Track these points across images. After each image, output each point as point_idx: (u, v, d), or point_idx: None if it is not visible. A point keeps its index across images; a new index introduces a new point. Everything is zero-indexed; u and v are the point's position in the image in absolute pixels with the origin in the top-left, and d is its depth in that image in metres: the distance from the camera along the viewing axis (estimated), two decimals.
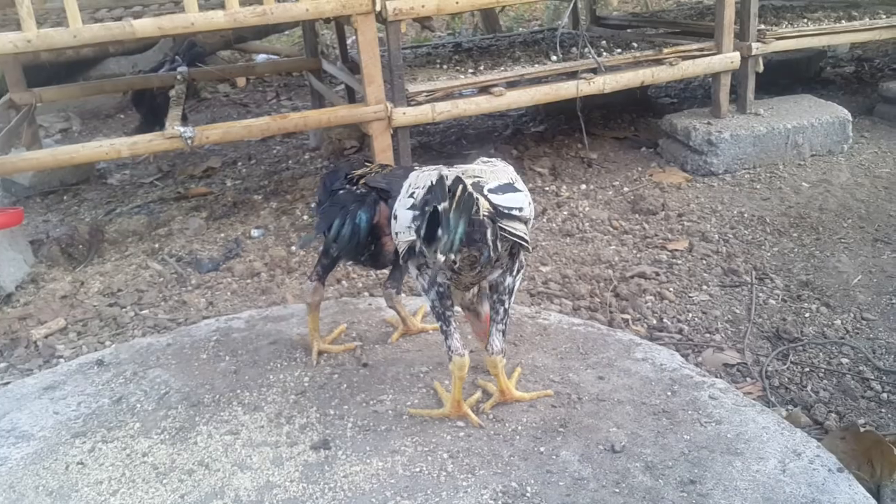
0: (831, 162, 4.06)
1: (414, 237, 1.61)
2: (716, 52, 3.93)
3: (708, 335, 2.62)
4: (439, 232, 1.47)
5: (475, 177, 1.66)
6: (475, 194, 1.53)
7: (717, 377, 2.31)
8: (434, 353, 2.21)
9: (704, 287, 2.92)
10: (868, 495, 1.60)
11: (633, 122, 4.95)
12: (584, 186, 3.98)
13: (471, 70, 3.74)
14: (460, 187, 1.48)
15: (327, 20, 3.94)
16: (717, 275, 3.00)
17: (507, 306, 1.77)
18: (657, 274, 3.01)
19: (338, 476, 1.72)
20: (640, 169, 4.15)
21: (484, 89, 3.56)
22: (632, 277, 2.98)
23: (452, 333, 1.77)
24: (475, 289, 1.86)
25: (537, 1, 5.20)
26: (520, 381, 2.05)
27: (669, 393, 2.00)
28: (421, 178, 1.74)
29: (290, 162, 4.69)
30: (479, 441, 1.82)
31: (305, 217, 3.69)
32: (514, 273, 1.76)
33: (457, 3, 3.30)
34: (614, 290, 2.90)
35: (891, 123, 4.59)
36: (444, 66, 3.93)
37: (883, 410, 2.24)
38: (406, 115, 3.37)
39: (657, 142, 4.37)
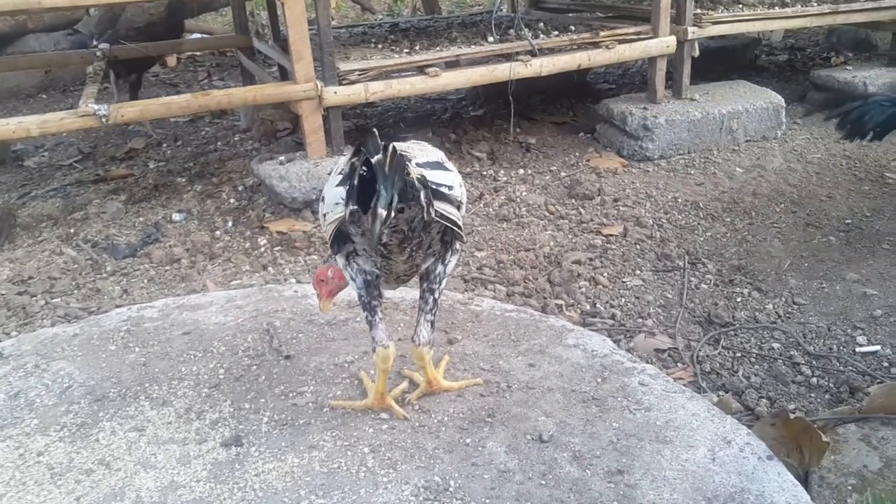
0: (765, 147, 4.10)
1: (343, 212, 1.48)
2: (652, 36, 3.91)
3: (640, 320, 2.59)
4: (379, 191, 1.34)
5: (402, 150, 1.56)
6: (406, 156, 1.42)
7: (648, 363, 2.27)
8: (361, 342, 2.11)
9: (638, 272, 2.90)
10: (796, 483, 1.58)
11: (571, 107, 4.92)
12: (521, 171, 3.93)
13: (406, 50, 3.63)
14: (391, 146, 1.37)
15: None
16: (650, 260, 2.98)
17: (436, 296, 1.68)
18: (591, 259, 2.97)
19: (249, 475, 1.61)
20: (577, 154, 4.11)
21: (419, 70, 3.45)
22: (567, 263, 2.93)
23: (377, 324, 1.67)
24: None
25: None
26: (449, 369, 1.98)
27: (600, 380, 1.95)
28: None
29: (218, 144, 4.51)
30: (402, 434, 1.73)
31: (232, 200, 3.54)
32: (446, 261, 1.67)
33: None
34: (549, 275, 2.85)
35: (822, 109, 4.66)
36: (380, 46, 3.80)
37: (813, 395, 2.24)
38: (337, 94, 3.24)
39: (595, 127, 4.35)
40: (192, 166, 4.10)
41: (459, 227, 1.57)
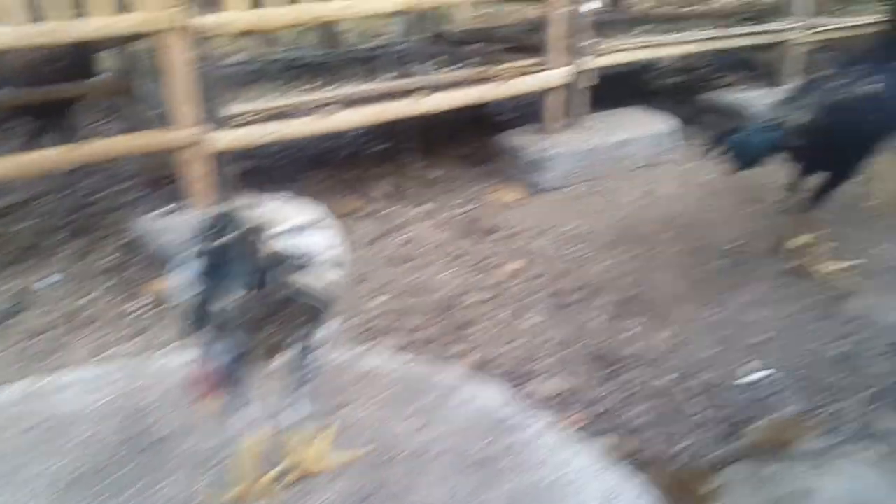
0: (658, 172, 4.19)
1: (192, 294, 1.41)
2: (547, 68, 3.96)
3: (537, 361, 2.58)
4: (230, 273, 1.27)
5: (262, 216, 1.48)
6: (257, 231, 1.34)
7: (544, 409, 2.27)
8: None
9: (536, 309, 2.89)
10: None
11: (475, 138, 4.91)
12: (424, 207, 3.89)
13: (300, 88, 3.56)
14: (243, 222, 1.30)
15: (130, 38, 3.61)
16: (548, 295, 2.99)
17: (307, 371, 1.61)
18: (490, 299, 2.96)
19: None
20: (479, 187, 4.11)
21: (315, 109, 3.38)
22: (465, 305, 2.91)
23: (244, 407, 1.58)
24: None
25: (358, 17, 5.01)
26: (333, 441, 1.90)
27: (492, 437, 1.92)
28: (201, 228, 1.54)
29: (100, 195, 4.28)
30: None
31: (111, 258, 3.36)
32: (317, 333, 1.59)
33: (273, 18, 3.11)
34: (447, 320, 2.82)
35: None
36: (274, 84, 3.72)
37: (704, 428, 2.26)
38: (225, 138, 3.14)
39: (496, 159, 4.36)
40: (69, 222, 3.86)
41: (326, 300, 1.50)
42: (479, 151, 4.66)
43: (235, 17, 3.07)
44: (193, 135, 3.08)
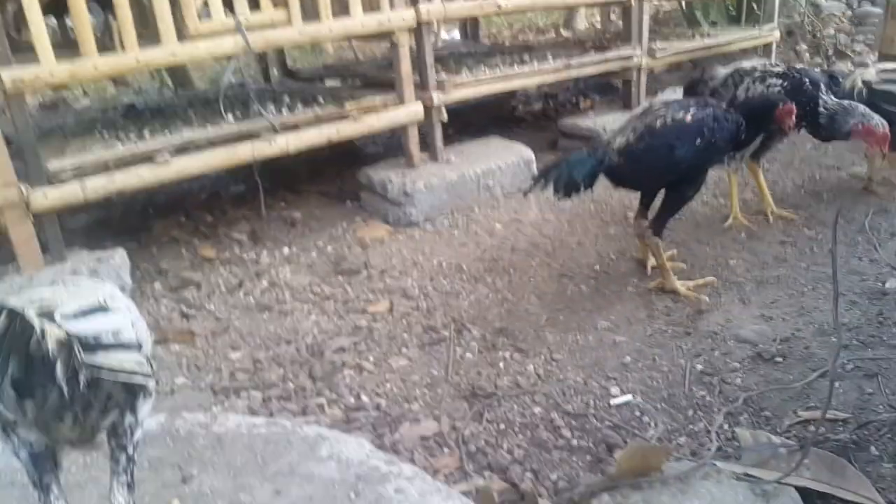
0: (522, 200, 4.24)
1: None
2: (399, 105, 3.93)
3: (406, 405, 2.50)
4: None
5: (40, 300, 1.32)
6: (35, 321, 1.19)
7: (411, 455, 2.20)
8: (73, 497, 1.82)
9: (404, 349, 2.82)
10: None
11: (339, 174, 4.82)
12: (286, 250, 3.76)
13: (133, 136, 3.34)
14: (5, 310, 1.15)
15: None
16: (416, 334, 2.93)
17: (129, 452, 1.45)
18: (356, 343, 2.86)
19: None
20: (344, 225, 4.02)
21: (148, 158, 3.18)
22: (329, 352, 2.79)
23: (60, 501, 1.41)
24: None
25: (192, 61, 4.80)
26: None
27: (353, 495, 1.82)
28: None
29: None
30: None
31: None
32: (136, 410, 1.44)
33: (93, 69, 2.91)
34: (310, 370, 2.70)
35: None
36: (106, 134, 3.47)
37: (574, 458, 2.25)
38: (48, 197, 2.89)
39: (360, 195, 4.29)
40: None
41: (141, 375, 1.35)
42: (342, 188, 4.58)
43: (48, 69, 2.83)
44: (12, 195, 2.83)
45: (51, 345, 1.16)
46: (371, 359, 2.76)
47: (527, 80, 4.56)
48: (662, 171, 3.01)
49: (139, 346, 1.38)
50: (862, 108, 3.41)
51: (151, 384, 1.45)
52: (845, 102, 3.46)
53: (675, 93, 4.88)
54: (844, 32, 8.04)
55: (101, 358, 1.26)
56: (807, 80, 3.53)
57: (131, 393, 1.41)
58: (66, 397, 1.21)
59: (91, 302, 1.35)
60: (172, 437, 2.04)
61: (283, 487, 1.85)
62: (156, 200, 4.53)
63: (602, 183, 4.14)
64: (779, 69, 3.70)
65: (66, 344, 1.18)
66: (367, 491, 1.83)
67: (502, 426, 2.40)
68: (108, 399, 1.35)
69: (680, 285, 3.10)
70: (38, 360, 1.15)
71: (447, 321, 3.01)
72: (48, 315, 1.23)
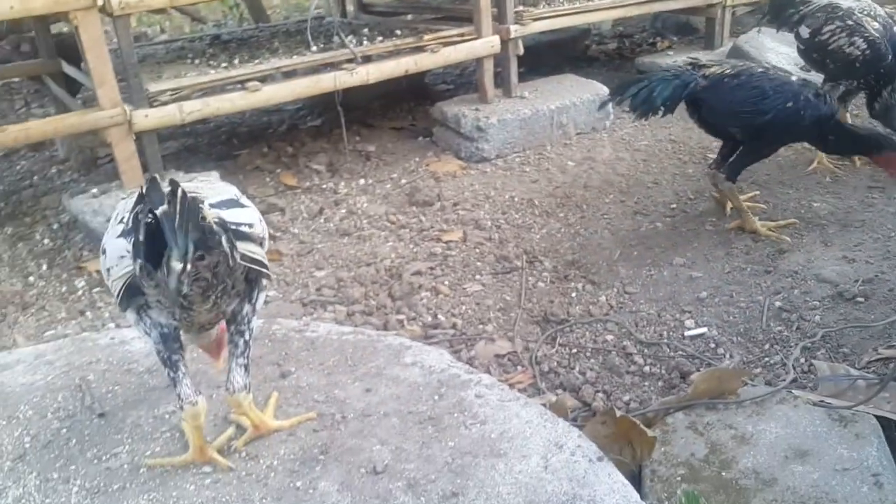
0: (595, 139, 4.24)
1: (132, 266, 1.36)
2: (476, 37, 3.95)
3: (481, 326, 2.60)
4: (170, 243, 1.24)
5: (191, 192, 1.45)
6: (195, 202, 1.31)
7: (487, 371, 2.30)
8: None
9: (478, 277, 2.91)
10: (626, 483, 1.61)
11: (411, 110, 4.90)
12: (362, 181, 3.87)
13: (224, 64, 3.47)
14: (179, 189, 1.27)
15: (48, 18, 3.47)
16: (489, 262, 3.00)
17: (247, 338, 1.58)
18: (432, 268, 2.96)
19: None
20: (417, 159, 4.10)
21: (240, 85, 3.30)
22: (407, 275, 2.90)
23: (181, 380, 1.55)
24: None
25: None
26: (280, 405, 1.88)
27: (437, 397, 1.92)
28: (130, 204, 1.49)
29: (34, 178, 4.14)
30: (227, 486, 1.62)
31: (46, 241, 3.25)
32: (253, 300, 1.57)
33: None
34: (390, 290, 2.81)
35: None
36: (197, 61, 3.61)
37: (646, 384, 2.31)
38: (149, 117, 3.05)
39: (433, 130, 4.35)
40: (2, 207, 3.74)
41: (265, 266, 1.49)
42: (413, 124, 4.65)
43: None
44: (117, 115, 2.98)
45: (212, 224, 1.29)
46: (446, 283, 2.86)
47: (607, 12, 4.49)
48: (742, 115, 2.93)
49: (262, 241, 1.51)
50: None
51: (266, 281, 1.58)
52: None
53: (759, 34, 4.74)
54: None
55: (241, 244, 1.39)
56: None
57: (251, 284, 1.54)
58: (219, 270, 1.33)
59: (230, 196, 1.48)
60: (270, 338, 2.18)
61: (373, 386, 1.96)
62: (239, 132, 4.69)
63: (680, 123, 4.16)
64: (876, 24, 3.43)
65: (223, 224, 1.30)
66: (449, 394, 1.93)
67: (574, 350, 2.47)
68: (234, 286, 1.47)
69: (760, 226, 3.08)
70: (207, 228, 1.27)
71: (519, 252, 3.07)
72: (203, 202, 1.36)
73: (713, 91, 2.95)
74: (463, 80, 5.67)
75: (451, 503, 1.56)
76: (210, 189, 1.56)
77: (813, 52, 3.63)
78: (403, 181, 3.84)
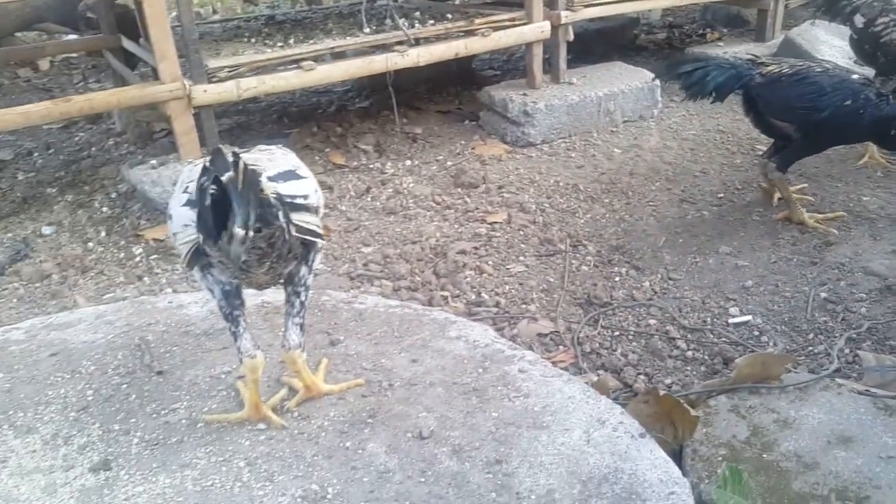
0: (642, 127, 4.23)
1: (196, 234, 1.43)
2: (527, 22, 3.96)
3: (524, 306, 2.63)
4: (234, 212, 1.30)
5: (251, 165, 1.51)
6: (255, 173, 1.38)
7: (529, 349, 2.33)
8: None
9: (521, 258, 2.94)
10: (668, 459, 1.63)
11: (457, 95, 4.93)
12: (408, 162, 3.92)
13: (280, 44, 3.54)
14: (241, 161, 1.33)
15: None
16: (533, 245, 3.03)
17: (303, 298, 1.65)
18: (476, 248, 3.00)
19: (118, 499, 1.54)
20: (463, 142, 4.13)
21: (294, 64, 3.37)
22: (452, 253, 2.94)
23: (242, 334, 1.63)
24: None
25: None
26: (330, 371, 1.95)
27: (481, 370, 1.96)
28: (195, 171, 1.56)
29: (92, 149, 4.28)
30: (280, 443, 1.69)
31: (105, 209, 3.37)
32: (310, 262, 1.64)
33: None
34: (435, 267, 2.86)
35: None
36: (253, 40, 3.69)
37: (689, 368, 2.33)
38: (207, 92, 3.14)
39: (479, 114, 4.38)
40: (63, 175, 3.88)
41: (319, 236, 1.55)
42: (460, 108, 4.68)
43: None
44: (177, 89, 3.08)
45: (271, 195, 1.35)
46: (490, 263, 2.90)
47: (658, 1, 4.47)
48: (799, 110, 2.89)
49: (317, 210, 1.57)
50: None
51: (321, 243, 1.64)
52: None
53: (813, 26, 4.67)
54: None
55: (296, 215, 1.45)
56: None
57: (307, 248, 1.60)
58: (277, 238, 1.39)
59: (288, 168, 1.54)
60: (320, 308, 2.25)
61: (419, 357, 2.02)
62: (290, 112, 4.77)
63: (729, 114, 4.13)
64: None
65: (280, 199, 1.37)
66: (493, 368, 1.97)
67: (616, 333, 2.50)
68: (290, 251, 1.53)
69: (808, 217, 3.06)
70: (266, 202, 1.34)
71: (563, 236, 3.09)
72: (262, 173, 1.43)
73: (770, 87, 2.92)
74: (510, 66, 5.68)
75: (496, 469, 1.60)
76: (269, 160, 1.61)
77: (865, 43, 3.57)
78: (449, 163, 3.88)
